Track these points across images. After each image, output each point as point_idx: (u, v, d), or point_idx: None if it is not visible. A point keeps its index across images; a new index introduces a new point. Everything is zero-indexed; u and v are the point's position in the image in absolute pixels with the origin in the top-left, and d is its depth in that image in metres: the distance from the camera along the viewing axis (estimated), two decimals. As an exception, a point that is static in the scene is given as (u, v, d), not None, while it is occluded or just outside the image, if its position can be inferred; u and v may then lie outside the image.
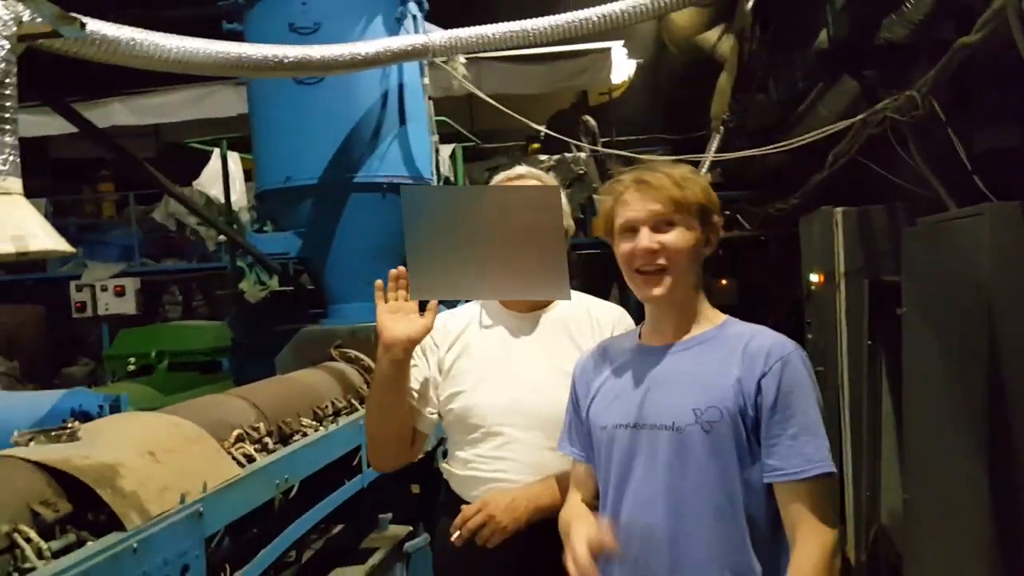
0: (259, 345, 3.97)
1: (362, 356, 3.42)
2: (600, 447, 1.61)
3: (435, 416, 1.97)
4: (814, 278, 4.36)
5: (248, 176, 8.12)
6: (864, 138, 3.68)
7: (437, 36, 3.28)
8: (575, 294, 1.93)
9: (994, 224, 2.29)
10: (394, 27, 3.65)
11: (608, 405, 1.61)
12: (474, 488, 1.87)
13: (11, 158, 1.72)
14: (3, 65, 1.74)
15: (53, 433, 1.86)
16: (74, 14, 1.89)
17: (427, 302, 1.78)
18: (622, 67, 8.73)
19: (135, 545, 1.62)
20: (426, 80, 3.90)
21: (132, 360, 5.24)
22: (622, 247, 1.57)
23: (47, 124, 7.96)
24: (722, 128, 7.19)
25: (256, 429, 2.44)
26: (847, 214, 3.91)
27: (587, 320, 1.90)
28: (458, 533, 1.78)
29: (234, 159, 6.02)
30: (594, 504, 1.66)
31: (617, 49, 8.25)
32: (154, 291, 11.51)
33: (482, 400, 1.87)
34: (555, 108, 10.64)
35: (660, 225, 1.53)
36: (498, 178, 1.96)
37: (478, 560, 1.77)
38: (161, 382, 4.94)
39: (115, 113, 8.52)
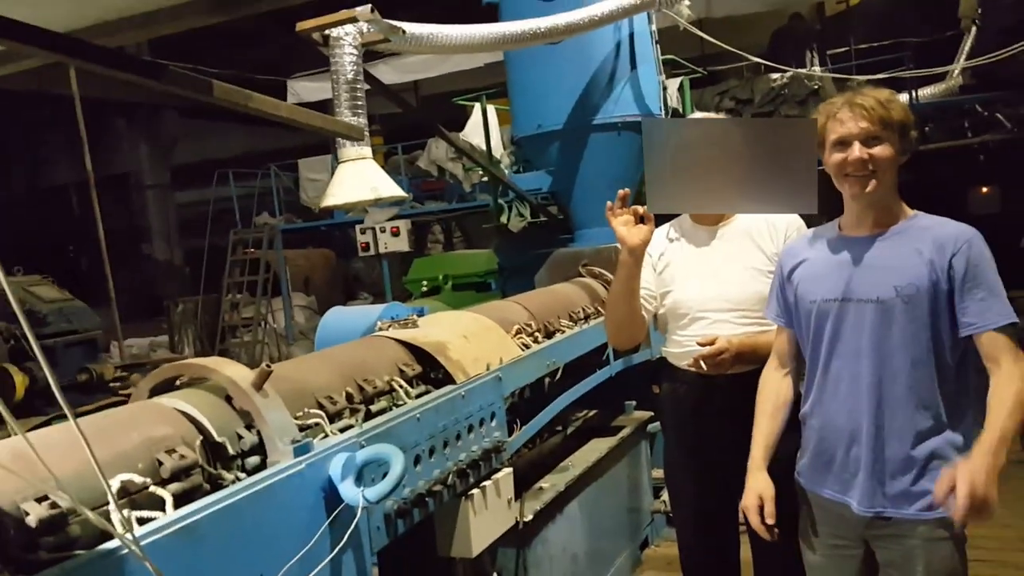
0: (520, 267, 4.76)
1: (604, 272, 4.06)
2: (809, 316, 2.03)
3: (656, 302, 2.56)
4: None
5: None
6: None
7: (662, -12, 3.70)
8: None
9: None
10: (625, -16, 4.11)
11: (815, 282, 2.03)
12: (687, 358, 2.44)
13: (365, 133, 2.50)
14: (356, 67, 2.52)
15: (402, 322, 2.69)
16: (395, 22, 2.63)
17: (643, 218, 2.26)
18: (860, -27, 8.35)
19: (463, 394, 2.38)
20: (653, 27, 4.34)
21: (424, 282, 6.43)
22: (834, 157, 1.94)
23: (323, 90, 9.48)
24: (973, 27, 6.78)
25: (529, 325, 3.17)
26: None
27: (765, 226, 2.38)
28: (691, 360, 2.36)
29: (491, 111, 6.85)
30: (788, 362, 2.15)
31: (854, -44, 7.92)
32: (419, 230, 13.05)
33: (687, 294, 2.46)
34: (787, 17, 10.35)
35: (868, 140, 1.90)
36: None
37: (695, 406, 2.37)
38: (447, 299, 6.00)
39: (383, 73, 9.76)
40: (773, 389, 2.16)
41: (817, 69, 7.97)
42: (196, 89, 1.37)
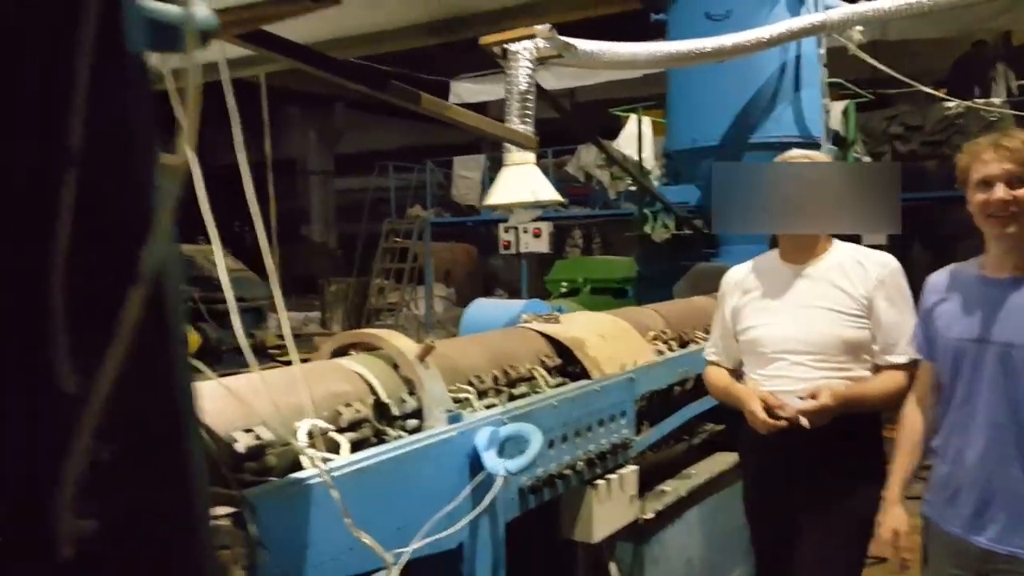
0: (659, 276, 4.86)
1: (747, 290, 4.08)
2: (947, 353, 2.04)
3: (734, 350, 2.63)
4: None
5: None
6: None
7: (835, 13, 3.71)
8: (849, 246, 2.38)
9: None
10: (796, 7, 4.13)
11: (953, 320, 2.04)
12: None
13: (535, 141, 2.71)
14: (529, 79, 2.74)
15: (545, 317, 2.88)
16: (568, 39, 2.83)
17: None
18: (1056, 1, 7.79)
19: (598, 389, 2.53)
20: (822, 50, 4.32)
21: (564, 283, 6.69)
22: (978, 197, 1.95)
23: (485, 91, 9.93)
24: None
25: (665, 332, 3.29)
26: None
27: (852, 267, 2.33)
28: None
29: (646, 123, 6.98)
30: (928, 396, 2.17)
31: (1051, -18, 7.42)
32: (560, 233, 13.28)
33: (765, 333, 2.43)
34: (970, 44, 9.78)
35: (1013, 181, 1.90)
36: (778, 158, 2.45)
37: (777, 443, 2.36)
38: (584, 301, 6.19)
39: (543, 79, 10.00)
40: (912, 425, 2.20)
41: (997, 101, 7.51)
42: (407, 99, 1.60)
